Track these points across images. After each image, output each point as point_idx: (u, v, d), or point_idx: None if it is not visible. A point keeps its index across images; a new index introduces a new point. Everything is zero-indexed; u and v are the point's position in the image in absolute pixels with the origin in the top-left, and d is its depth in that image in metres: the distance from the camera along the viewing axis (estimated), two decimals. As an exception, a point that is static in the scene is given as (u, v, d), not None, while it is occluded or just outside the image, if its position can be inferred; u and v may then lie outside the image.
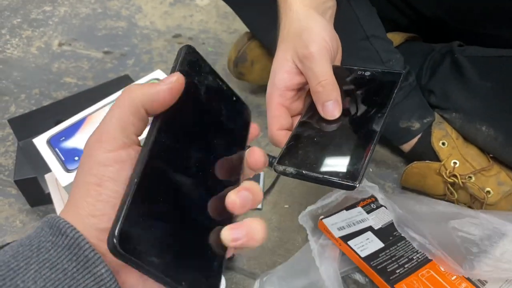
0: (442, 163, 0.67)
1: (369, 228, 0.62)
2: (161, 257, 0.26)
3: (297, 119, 0.48)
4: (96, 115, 0.63)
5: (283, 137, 0.46)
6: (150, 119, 0.30)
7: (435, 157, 0.68)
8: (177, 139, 0.30)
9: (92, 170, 0.27)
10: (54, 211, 0.68)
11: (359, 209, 0.65)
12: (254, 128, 0.37)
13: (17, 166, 0.70)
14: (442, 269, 0.56)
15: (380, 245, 0.60)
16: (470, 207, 0.67)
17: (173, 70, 0.31)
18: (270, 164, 0.65)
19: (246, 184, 0.32)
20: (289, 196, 0.72)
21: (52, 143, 0.60)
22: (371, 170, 0.77)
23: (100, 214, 0.27)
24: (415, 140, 0.71)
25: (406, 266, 0.57)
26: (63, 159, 0.58)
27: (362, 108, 0.46)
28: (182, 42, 1.06)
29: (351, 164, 0.41)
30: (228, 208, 0.31)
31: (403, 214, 0.54)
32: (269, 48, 0.80)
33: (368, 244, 0.60)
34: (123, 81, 0.84)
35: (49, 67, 1.01)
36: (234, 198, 0.31)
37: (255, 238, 0.30)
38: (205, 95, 0.33)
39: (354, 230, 0.61)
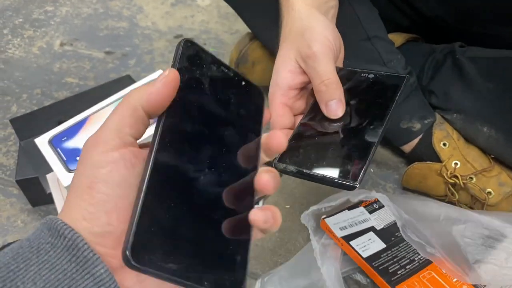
0: (443, 164, 0.67)
1: (371, 229, 0.62)
2: (178, 262, 0.26)
3: (299, 118, 0.48)
4: (97, 115, 0.63)
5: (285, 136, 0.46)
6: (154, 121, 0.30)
7: (436, 158, 0.68)
8: (184, 138, 0.29)
9: (85, 172, 0.27)
10: (55, 211, 0.68)
11: (361, 209, 0.65)
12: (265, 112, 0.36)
13: (18, 166, 0.70)
14: (444, 271, 0.56)
15: (382, 245, 0.60)
16: (471, 208, 0.67)
17: (171, 67, 0.30)
18: (271, 163, 0.65)
19: (265, 168, 0.32)
20: (290, 196, 0.72)
21: (54, 143, 0.60)
22: (372, 170, 0.77)
23: (92, 218, 0.26)
24: (416, 140, 0.71)
25: (407, 267, 0.58)
26: (65, 159, 0.58)
27: (365, 110, 0.46)
28: (183, 42, 1.06)
29: (352, 164, 0.41)
30: (260, 187, 0.31)
31: (409, 219, 0.55)
32: (271, 48, 0.80)
33: (370, 245, 0.60)
34: (125, 82, 0.84)
35: (50, 67, 1.01)
36: (268, 178, 0.31)
37: (278, 222, 0.31)
38: (210, 86, 0.32)
39: (356, 230, 0.61)
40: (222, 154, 0.31)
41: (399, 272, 0.57)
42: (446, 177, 0.66)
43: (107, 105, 0.65)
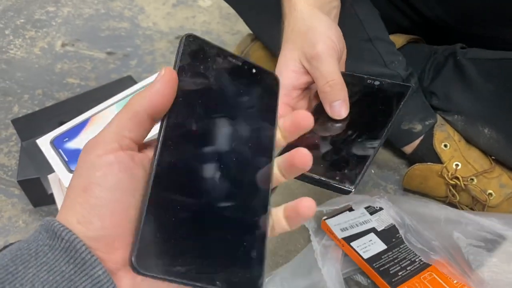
0: (444, 165, 0.67)
1: (372, 230, 0.62)
2: (187, 264, 0.26)
3: None
4: (99, 116, 0.64)
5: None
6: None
7: (437, 159, 0.68)
8: (190, 137, 0.29)
9: (81, 174, 0.27)
10: (57, 211, 0.68)
11: (362, 210, 0.65)
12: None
13: (20, 167, 0.70)
14: (444, 272, 0.56)
15: (383, 247, 0.60)
16: (472, 209, 0.67)
17: (174, 65, 0.30)
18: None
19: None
20: (291, 197, 0.72)
21: (56, 143, 0.60)
22: (372, 171, 0.77)
23: (87, 222, 0.26)
24: (417, 142, 0.71)
25: (408, 268, 0.58)
26: (67, 159, 0.58)
27: (368, 115, 0.47)
28: (184, 43, 1.06)
29: (349, 169, 0.41)
30: (302, 162, 0.30)
31: (411, 225, 0.55)
32: (272, 49, 0.80)
33: (371, 246, 0.60)
34: (126, 82, 0.84)
35: (52, 67, 1.01)
36: (304, 151, 0.30)
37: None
38: (218, 80, 0.31)
39: (357, 231, 0.62)
40: (234, 148, 0.30)
41: (400, 273, 0.57)
42: (447, 178, 0.66)
43: (108, 106, 0.65)
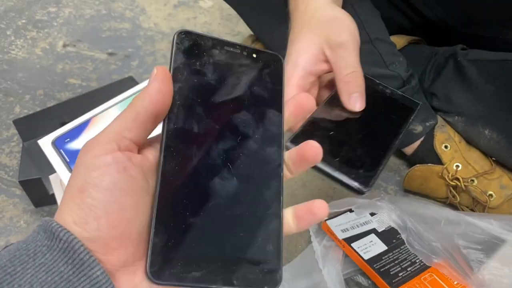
0: (445, 166, 0.67)
1: (373, 231, 0.62)
2: (202, 268, 0.26)
3: None
4: (101, 116, 0.64)
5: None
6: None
7: (438, 160, 0.69)
8: (193, 136, 0.28)
9: (79, 174, 0.27)
10: (58, 211, 0.68)
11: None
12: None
13: (21, 167, 0.70)
14: (445, 273, 0.56)
15: (384, 247, 0.60)
16: (472, 210, 0.67)
17: (170, 64, 0.29)
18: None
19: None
20: (292, 198, 0.73)
21: (57, 144, 0.60)
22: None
23: (83, 223, 0.26)
24: (417, 143, 0.71)
25: (409, 269, 0.58)
26: (68, 160, 0.58)
27: (380, 120, 0.47)
28: (185, 44, 1.06)
29: (364, 169, 0.41)
30: (313, 155, 0.30)
31: (412, 228, 0.55)
32: (273, 51, 0.80)
33: (372, 247, 0.60)
34: (127, 83, 0.84)
35: (53, 68, 1.01)
36: (315, 144, 0.30)
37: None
38: (217, 72, 0.30)
39: (357, 232, 0.62)
40: (242, 142, 0.29)
41: (400, 274, 0.57)
42: (447, 179, 0.67)
43: (110, 107, 0.65)
